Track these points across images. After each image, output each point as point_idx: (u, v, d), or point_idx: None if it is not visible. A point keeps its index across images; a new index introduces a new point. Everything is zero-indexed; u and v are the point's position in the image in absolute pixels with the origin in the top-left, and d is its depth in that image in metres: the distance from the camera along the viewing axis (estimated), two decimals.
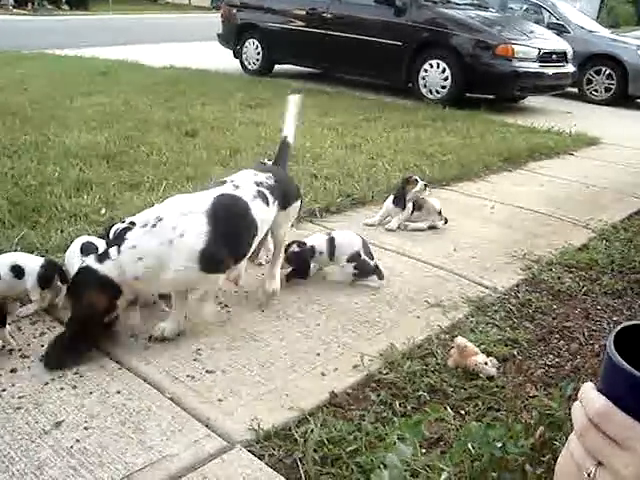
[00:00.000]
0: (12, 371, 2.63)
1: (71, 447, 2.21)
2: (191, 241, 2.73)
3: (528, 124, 8.32)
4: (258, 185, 3.08)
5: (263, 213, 3.05)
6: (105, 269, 2.73)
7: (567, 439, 0.82)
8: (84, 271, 2.76)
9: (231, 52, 11.93)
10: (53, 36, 15.48)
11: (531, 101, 10.71)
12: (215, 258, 2.81)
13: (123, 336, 2.94)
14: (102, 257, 2.77)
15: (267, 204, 3.07)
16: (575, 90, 11.60)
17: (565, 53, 10.09)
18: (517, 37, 9.50)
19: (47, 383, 2.56)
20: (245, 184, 3.07)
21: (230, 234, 2.87)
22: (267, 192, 3.09)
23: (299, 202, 3.43)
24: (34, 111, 7.16)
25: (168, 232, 2.72)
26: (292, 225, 3.57)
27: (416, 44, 9.51)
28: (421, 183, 4.40)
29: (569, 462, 0.80)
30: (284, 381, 2.65)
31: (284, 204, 3.23)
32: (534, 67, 9.37)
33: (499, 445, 1.91)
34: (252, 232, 3.00)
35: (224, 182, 3.09)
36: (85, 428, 2.31)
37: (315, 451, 2.22)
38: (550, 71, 9.61)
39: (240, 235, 2.96)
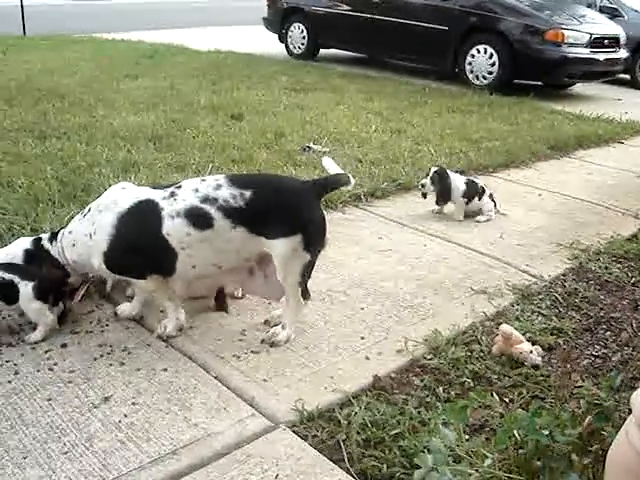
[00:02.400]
0: (63, 346, 2.70)
1: (119, 421, 2.27)
2: (99, 240, 2.68)
3: (577, 111, 8.15)
4: (203, 201, 2.59)
5: (187, 235, 2.59)
6: (52, 250, 2.88)
7: (615, 429, 0.81)
8: (41, 247, 2.91)
9: (276, 36, 11.93)
10: (100, 20, 15.66)
11: (581, 88, 10.48)
12: (118, 262, 2.70)
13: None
14: (52, 238, 2.91)
15: (204, 226, 2.58)
16: (627, 77, 11.28)
17: (618, 38, 9.80)
18: (567, 22, 9.28)
19: (96, 359, 2.62)
20: (185, 196, 2.63)
21: (133, 243, 2.66)
22: (214, 211, 2.57)
23: (297, 237, 2.61)
24: (82, 94, 7.29)
25: (90, 225, 2.73)
26: (306, 266, 2.72)
27: (463, 29, 9.38)
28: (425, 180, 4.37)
29: (625, 449, 0.79)
30: (328, 363, 2.66)
31: (268, 232, 2.61)
32: (584, 53, 9.15)
33: (546, 433, 1.89)
34: (163, 250, 2.62)
35: (171, 185, 2.73)
36: (133, 404, 2.36)
37: (358, 433, 2.23)
38: (601, 57, 9.37)
39: (144, 248, 2.65)
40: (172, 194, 2.65)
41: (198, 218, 2.58)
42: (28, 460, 2.07)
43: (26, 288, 2.68)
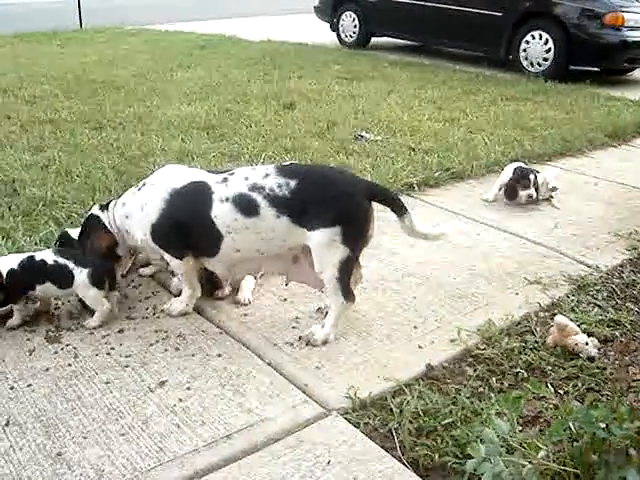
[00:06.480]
0: (120, 332, 2.77)
1: (174, 405, 2.32)
2: (150, 212, 2.78)
3: (636, 98, 7.90)
4: (251, 189, 2.64)
5: (234, 221, 2.65)
6: (104, 217, 2.98)
7: None
8: (90, 215, 3.04)
9: (328, 25, 11.90)
10: (152, 12, 15.86)
11: None
12: (164, 236, 2.79)
13: (224, 302, 3.04)
14: (103, 207, 3.02)
15: (251, 213, 2.63)
16: None
17: None
18: (628, 4, 8.96)
19: (152, 344, 2.69)
20: (235, 182, 2.69)
21: (182, 220, 2.74)
22: (261, 199, 2.61)
23: (336, 229, 2.58)
24: (137, 85, 7.43)
25: (143, 198, 2.83)
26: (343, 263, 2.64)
27: (517, 14, 9.17)
28: None
29: None
30: (381, 352, 2.67)
31: (309, 223, 2.61)
32: None
33: (602, 426, 1.85)
34: (210, 231, 2.69)
35: (226, 171, 2.80)
36: (187, 388, 2.41)
37: (410, 422, 2.23)
38: None
39: (192, 227, 2.74)
40: (225, 179, 2.72)
41: (245, 205, 2.63)
42: (88, 440, 2.14)
43: (81, 274, 2.76)
